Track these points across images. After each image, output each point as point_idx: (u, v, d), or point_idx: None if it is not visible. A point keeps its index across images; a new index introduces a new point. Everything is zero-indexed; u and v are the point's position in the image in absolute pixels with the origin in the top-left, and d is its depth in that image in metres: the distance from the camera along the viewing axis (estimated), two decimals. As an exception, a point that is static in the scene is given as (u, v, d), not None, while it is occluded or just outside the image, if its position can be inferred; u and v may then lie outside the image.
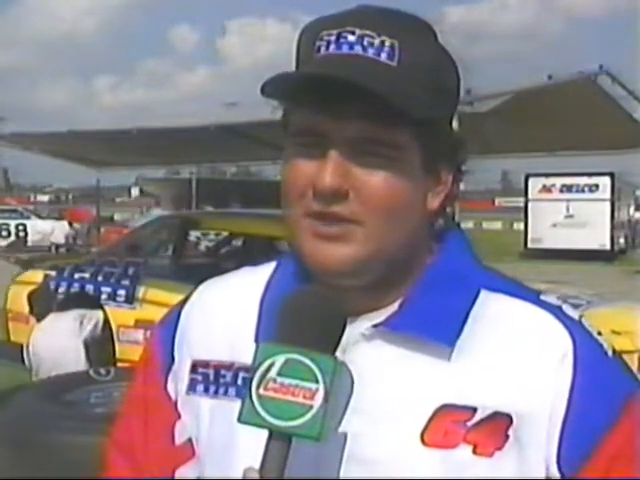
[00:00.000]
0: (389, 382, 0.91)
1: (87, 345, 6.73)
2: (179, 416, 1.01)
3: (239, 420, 0.83)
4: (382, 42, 0.89)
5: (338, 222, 0.89)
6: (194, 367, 1.01)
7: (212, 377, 0.99)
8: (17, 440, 4.07)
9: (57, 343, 6.46)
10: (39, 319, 6.71)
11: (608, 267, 22.53)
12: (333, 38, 0.90)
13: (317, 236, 0.89)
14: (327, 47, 0.90)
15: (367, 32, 0.89)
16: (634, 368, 1.00)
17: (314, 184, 0.88)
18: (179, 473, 1.00)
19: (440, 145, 0.93)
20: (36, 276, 8.57)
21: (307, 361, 0.82)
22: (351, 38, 0.89)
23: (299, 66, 0.95)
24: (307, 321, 0.84)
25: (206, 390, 0.99)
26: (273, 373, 0.82)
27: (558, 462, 0.88)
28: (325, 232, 0.89)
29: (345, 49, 0.89)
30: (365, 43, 0.89)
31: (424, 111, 0.88)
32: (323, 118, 0.88)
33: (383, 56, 0.89)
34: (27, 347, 6.58)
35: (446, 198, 0.96)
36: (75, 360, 6.43)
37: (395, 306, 0.94)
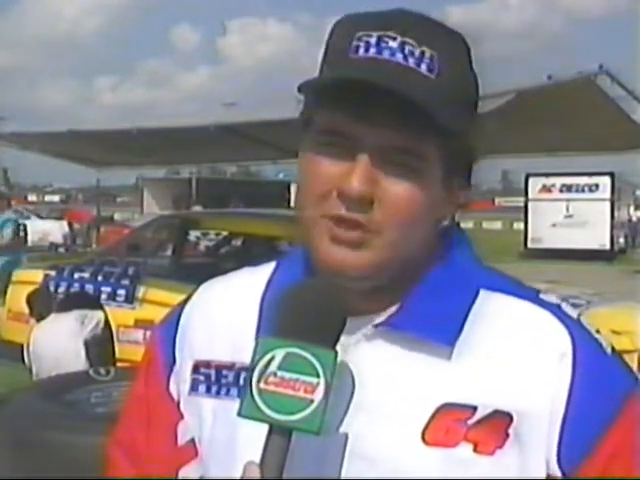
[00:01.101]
0: (390, 381, 0.91)
1: (87, 345, 6.74)
2: (182, 416, 1.01)
3: (239, 414, 0.83)
4: (422, 52, 0.89)
5: (357, 229, 0.89)
6: (196, 367, 1.01)
7: (214, 377, 0.99)
8: (17, 440, 4.07)
9: (58, 343, 6.46)
10: (39, 320, 6.71)
11: (608, 267, 22.53)
12: (373, 41, 0.89)
13: (335, 240, 0.89)
14: (366, 49, 0.90)
15: (408, 40, 0.89)
16: (634, 368, 1.00)
17: (340, 187, 0.88)
18: (182, 473, 1.00)
19: (460, 161, 0.94)
20: (36, 276, 8.58)
21: (308, 355, 0.82)
22: (392, 44, 0.89)
23: (330, 62, 0.94)
24: (307, 315, 0.85)
25: (208, 390, 0.99)
26: (273, 367, 0.83)
27: (558, 460, 0.89)
28: (344, 237, 0.89)
29: (386, 55, 0.89)
30: (406, 52, 0.89)
31: (457, 125, 0.89)
32: (357, 122, 0.88)
33: (423, 67, 0.89)
34: (27, 347, 6.58)
35: (455, 208, 0.97)
36: (75, 360, 6.44)
37: (395, 306, 0.95)
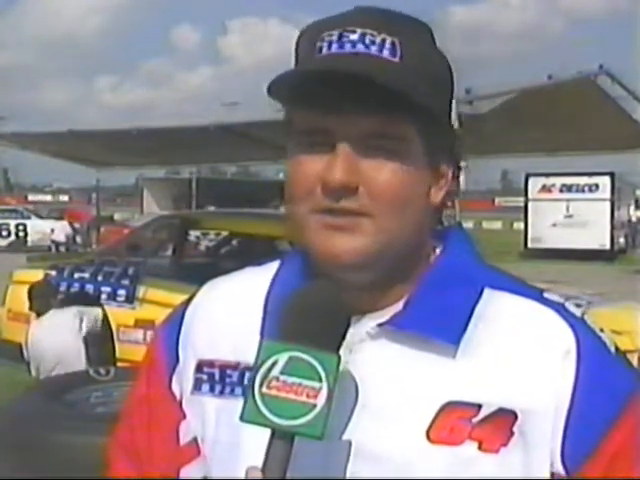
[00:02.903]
0: (395, 380, 0.91)
1: (87, 342, 6.75)
2: (184, 416, 1.01)
3: (241, 419, 0.83)
4: (383, 40, 0.91)
5: (348, 215, 0.89)
6: (199, 367, 1.01)
7: (218, 377, 0.99)
8: (18, 440, 4.07)
9: (57, 339, 6.47)
10: (39, 314, 6.72)
11: (608, 267, 22.55)
12: (335, 37, 0.91)
13: (327, 228, 0.90)
14: (329, 47, 0.91)
15: (368, 31, 0.91)
16: (634, 368, 1.00)
17: (323, 180, 0.89)
18: (184, 472, 1.00)
19: (441, 139, 0.94)
20: (36, 276, 8.56)
21: (311, 359, 0.82)
22: (353, 37, 0.91)
23: (299, 66, 0.96)
24: (311, 318, 0.84)
25: (212, 390, 0.99)
26: (276, 371, 0.82)
27: (562, 458, 0.89)
28: (335, 223, 0.90)
29: (348, 48, 0.91)
30: (367, 41, 0.90)
31: (428, 103, 0.90)
32: (329, 115, 0.89)
33: (385, 53, 0.90)
34: (26, 343, 6.59)
35: (447, 194, 0.97)
36: (75, 356, 6.45)
37: (399, 305, 0.95)
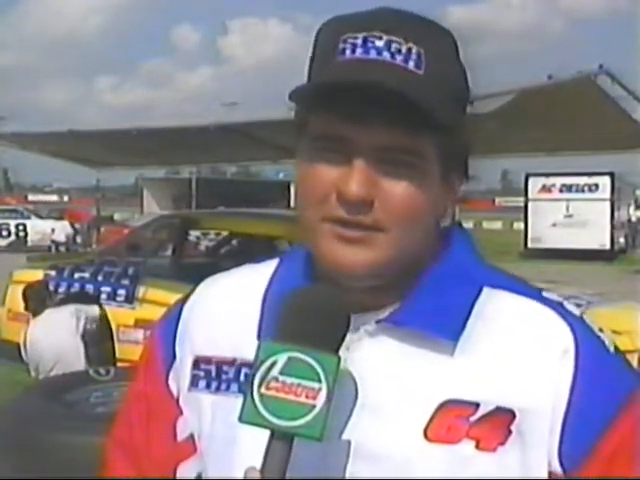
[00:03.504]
0: (393, 378, 0.91)
1: (85, 341, 6.75)
2: (181, 412, 1.01)
3: (240, 420, 0.83)
4: (409, 49, 0.89)
5: (362, 228, 0.89)
6: (196, 363, 1.01)
7: (214, 373, 0.99)
8: (17, 440, 4.07)
9: (55, 338, 6.48)
10: (35, 315, 6.72)
11: (608, 267, 22.56)
12: (359, 42, 0.89)
13: (338, 239, 0.89)
14: (353, 50, 0.90)
15: (394, 38, 0.89)
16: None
17: (339, 191, 0.88)
18: (181, 469, 1.00)
19: (455, 155, 0.94)
20: (36, 275, 8.57)
21: (310, 360, 0.82)
22: (379, 43, 0.89)
23: (318, 65, 0.94)
24: (311, 318, 0.84)
25: (208, 386, 0.99)
26: (275, 372, 0.82)
27: (559, 457, 0.88)
28: (347, 235, 0.89)
29: (373, 54, 0.89)
30: (393, 49, 0.89)
31: (449, 119, 0.89)
32: (351, 124, 0.88)
33: (411, 64, 0.89)
34: (24, 343, 6.59)
35: (452, 204, 0.97)
36: (74, 355, 6.46)
37: (398, 303, 0.95)
